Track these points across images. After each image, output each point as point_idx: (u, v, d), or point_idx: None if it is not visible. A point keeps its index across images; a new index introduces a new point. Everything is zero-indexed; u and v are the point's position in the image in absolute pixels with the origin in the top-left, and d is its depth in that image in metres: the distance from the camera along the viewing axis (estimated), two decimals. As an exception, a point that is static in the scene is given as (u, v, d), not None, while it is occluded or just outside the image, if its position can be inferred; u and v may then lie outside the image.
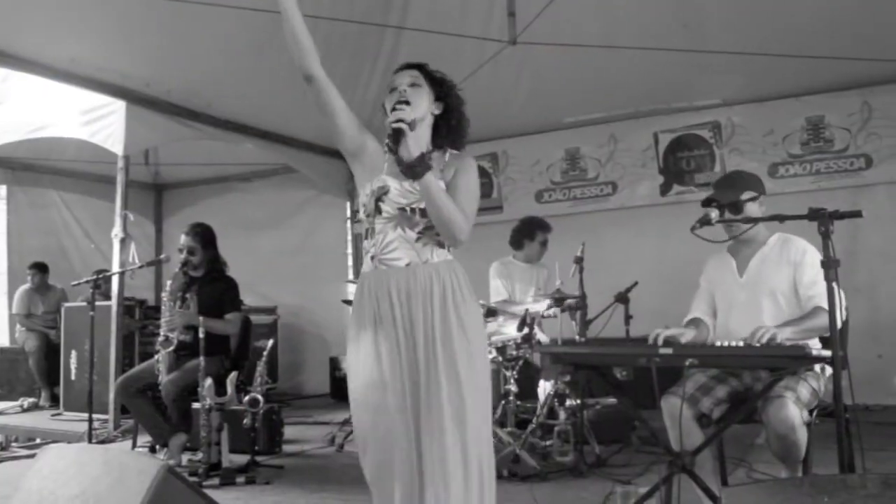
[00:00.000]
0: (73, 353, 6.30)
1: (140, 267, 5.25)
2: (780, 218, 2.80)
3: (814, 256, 2.83)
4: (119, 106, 5.56)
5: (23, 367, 7.74)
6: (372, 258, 2.49)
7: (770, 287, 3.01)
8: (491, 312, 4.82)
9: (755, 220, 2.99)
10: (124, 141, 5.56)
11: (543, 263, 5.26)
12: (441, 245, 2.48)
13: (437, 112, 2.53)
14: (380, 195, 2.48)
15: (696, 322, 3.16)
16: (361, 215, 2.53)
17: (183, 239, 4.73)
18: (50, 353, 7.25)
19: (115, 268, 5.50)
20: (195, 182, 8.69)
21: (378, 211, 2.47)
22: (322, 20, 4.42)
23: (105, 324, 5.47)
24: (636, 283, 4.62)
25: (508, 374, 4.56)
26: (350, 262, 7.54)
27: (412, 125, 2.34)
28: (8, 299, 8.32)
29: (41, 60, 5.01)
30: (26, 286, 7.89)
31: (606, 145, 6.53)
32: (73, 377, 6.27)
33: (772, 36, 4.82)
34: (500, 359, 4.56)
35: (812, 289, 2.86)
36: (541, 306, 4.82)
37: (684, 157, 6.38)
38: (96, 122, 5.71)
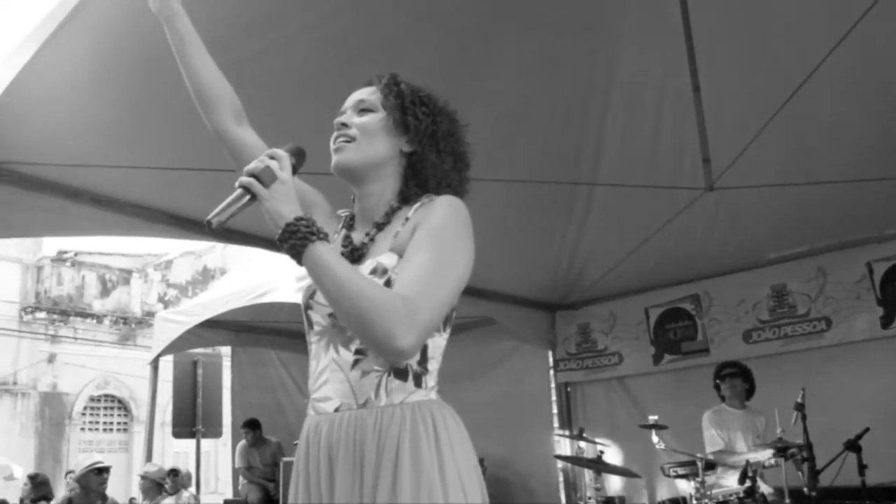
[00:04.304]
0: (292, 508, 6.57)
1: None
2: None
3: None
4: (330, 271, 5.94)
5: (247, 521, 8.13)
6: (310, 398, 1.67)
7: None
8: (710, 465, 4.61)
9: None
10: (336, 302, 5.89)
11: (760, 410, 5.04)
12: (402, 374, 1.56)
13: (407, 150, 1.70)
14: (308, 298, 1.68)
15: None
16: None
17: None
18: (270, 507, 7.60)
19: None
20: (401, 337, 9.04)
21: (309, 324, 1.68)
22: (516, 183, 4.64)
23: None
24: (867, 430, 4.29)
25: (732, 530, 4.31)
26: (555, 409, 7.47)
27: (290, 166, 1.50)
28: (232, 452, 8.89)
29: (262, 234, 5.50)
30: (244, 441, 8.42)
31: (815, 279, 6.22)
32: (292, 532, 6.51)
33: None
34: (723, 514, 4.33)
35: None
36: (762, 456, 4.57)
37: (905, 285, 5.96)
38: (310, 286, 6.14)
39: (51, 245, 19.32)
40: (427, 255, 1.49)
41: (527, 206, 5.16)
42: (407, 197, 1.69)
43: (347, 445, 1.52)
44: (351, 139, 1.68)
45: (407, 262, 1.50)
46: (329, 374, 1.59)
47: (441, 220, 1.56)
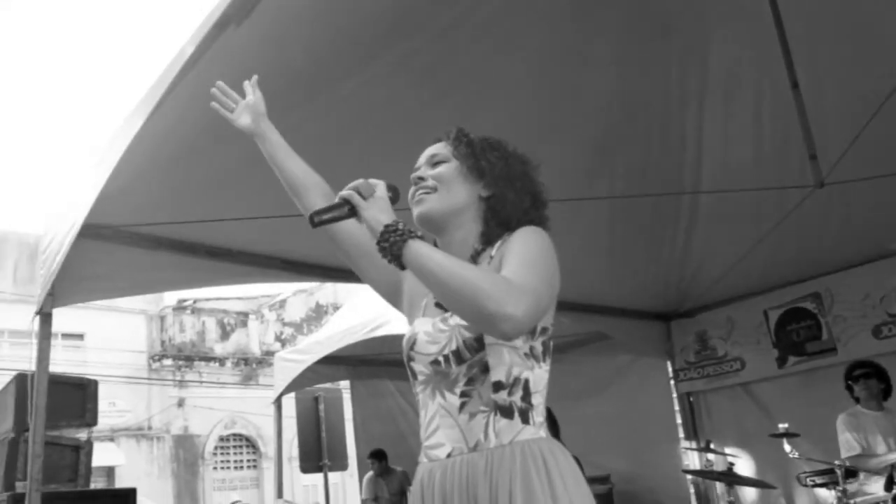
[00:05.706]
0: (422, 538, 6.61)
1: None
2: None
3: None
4: (442, 301, 6.00)
5: (376, 552, 8.25)
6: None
7: None
8: (851, 473, 4.41)
9: None
10: (449, 331, 5.94)
11: (897, 409, 4.80)
12: (508, 411, 1.57)
13: (485, 195, 1.74)
14: (409, 350, 1.75)
15: None
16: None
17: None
18: (400, 537, 7.68)
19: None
20: (512, 360, 9.04)
21: (413, 374, 1.75)
22: (618, 198, 4.61)
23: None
24: None
25: (878, 538, 4.10)
26: (679, 420, 7.30)
27: (392, 196, 1.65)
28: (359, 483, 9.05)
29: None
30: (371, 472, 8.55)
31: (948, 264, 5.89)
32: (422, 561, 6.55)
33: None
34: (866, 523, 4.13)
35: None
36: (905, 458, 4.35)
37: None
38: (423, 318, 6.20)
39: (171, 295, 20.21)
40: (519, 262, 1.53)
41: (632, 219, 5.09)
42: (490, 238, 1.72)
43: (461, 491, 1.54)
44: (431, 190, 1.74)
45: (506, 265, 1.55)
46: (439, 421, 1.63)
47: (526, 241, 1.60)
